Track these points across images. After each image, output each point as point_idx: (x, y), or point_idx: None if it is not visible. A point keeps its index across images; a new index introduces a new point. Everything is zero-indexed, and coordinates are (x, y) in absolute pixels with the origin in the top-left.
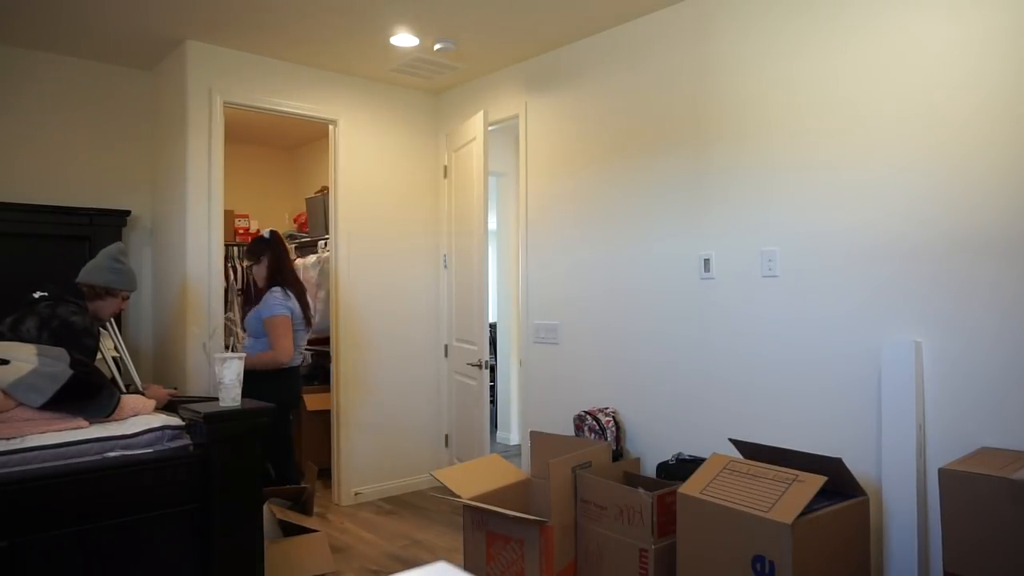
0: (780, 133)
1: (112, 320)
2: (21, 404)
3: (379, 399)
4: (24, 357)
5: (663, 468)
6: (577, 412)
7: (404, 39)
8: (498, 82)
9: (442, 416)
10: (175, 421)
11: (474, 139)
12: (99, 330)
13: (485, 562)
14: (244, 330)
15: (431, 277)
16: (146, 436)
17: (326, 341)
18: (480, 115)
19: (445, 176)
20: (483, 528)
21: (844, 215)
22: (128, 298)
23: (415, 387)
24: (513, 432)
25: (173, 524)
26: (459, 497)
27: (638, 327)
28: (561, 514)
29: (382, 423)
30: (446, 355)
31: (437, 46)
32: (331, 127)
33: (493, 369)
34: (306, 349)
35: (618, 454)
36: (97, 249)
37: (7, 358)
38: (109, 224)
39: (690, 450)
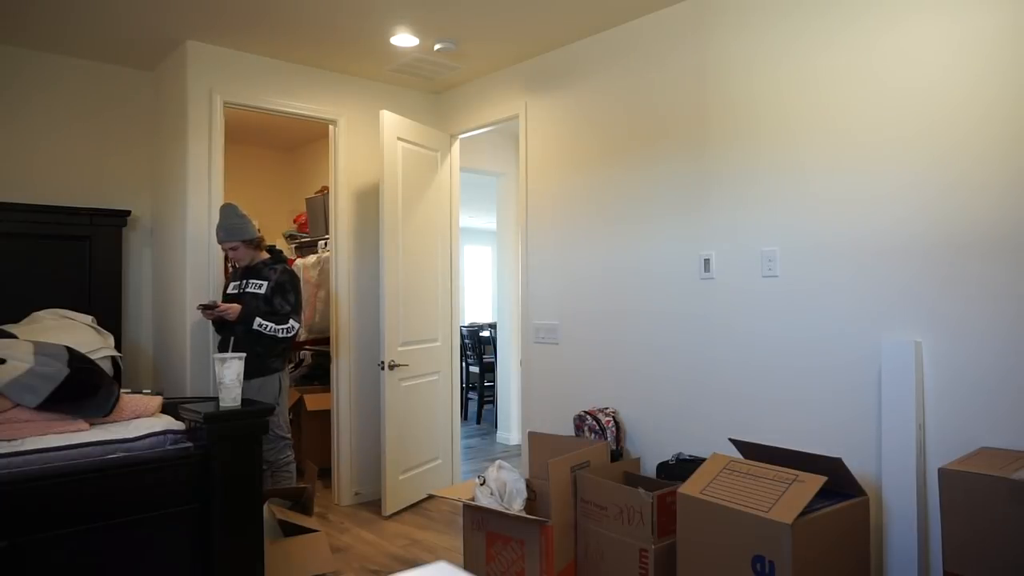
0: (780, 133)
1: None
2: (18, 405)
3: (379, 399)
4: (21, 356)
5: (663, 468)
6: (577, 412)
7: (404, 39)
8: (498, 82)
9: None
10: (177, 425)
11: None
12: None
13: (485, 562)
14: None
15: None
16: (148, 440)
17: (326, 341)
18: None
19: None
20: (483, 528)
21: (844, 215)
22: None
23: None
24: (513, 432)
25: (173, 524)
26: (459, 499)
27: (638, 327)
28: (561, 514)
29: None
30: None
31: (437, 46)
32: (331, 127)
33: (493, 369)
34: (306, 349)
35: (618, 454)
36: (97, 249)
37: (3, 357)
38: (109, 224)
39: (690, 450)
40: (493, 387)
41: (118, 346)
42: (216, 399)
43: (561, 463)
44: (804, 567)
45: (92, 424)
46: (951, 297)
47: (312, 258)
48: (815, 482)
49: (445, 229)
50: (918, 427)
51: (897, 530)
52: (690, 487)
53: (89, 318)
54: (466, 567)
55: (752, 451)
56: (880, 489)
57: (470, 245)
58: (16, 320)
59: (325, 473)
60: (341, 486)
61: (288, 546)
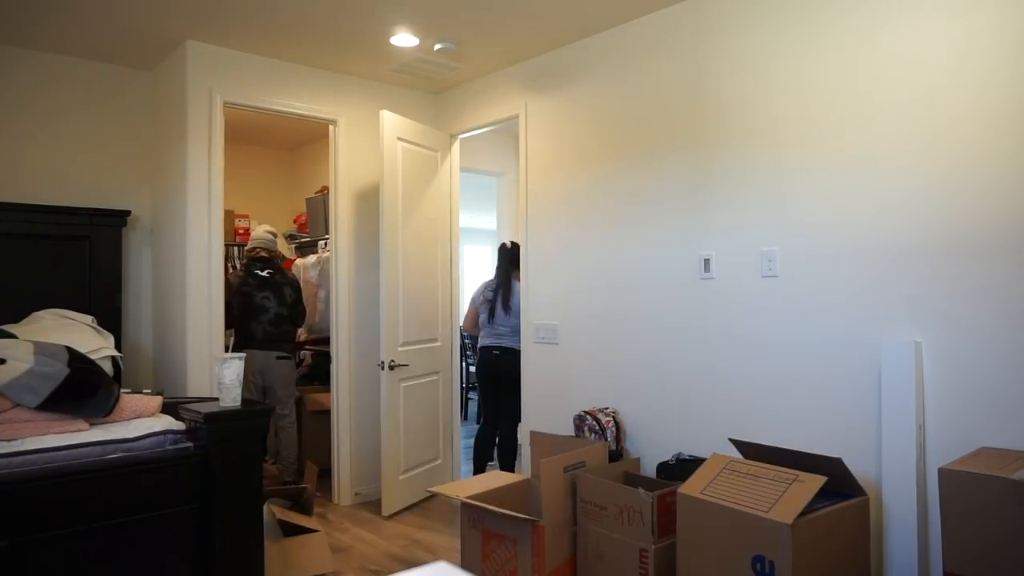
0: (780, 134)
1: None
2: (18, 405)
3: (379, 399)
4: (21, 356)
5: (663, 468)
6: (577, 412)
7: (404, 39)
8: (498, 82)
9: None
10: (178, 425)
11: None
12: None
13: (480, 560)
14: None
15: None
16: (148, 440)
17: (326, 341)
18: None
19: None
20: (479, 526)
21: (844, 215)
22: None
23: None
24: None
25: (173, 524)
26: (457, 496)
27: (638, 327)
28: (554, 513)
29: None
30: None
31: (437, 46)
32: (331, 127)
33: None
34: (306, 349)
35: (618, 454)
36: (97, 249)
37: (3, 357)
38: (109, 224)
39: (690, 450)
40: None
41: (118, 346)
42: (216, 399)
43: (553, 463)
44: (804, 567)
45: (92, 424)
46: (951, 297)
47: (312, 258)
48: (815, 482)
49: (445, 229)
50: (918, 427)
51: (897, 530)
52: (690, 487)
53: (89, 318)
54: (463, 565)
55: (752, 451)
56: (880, 489)
57: (470, 245)
58: (16, 320)
59: (325, 473)
60: (341, 486)
61: (288, 546)
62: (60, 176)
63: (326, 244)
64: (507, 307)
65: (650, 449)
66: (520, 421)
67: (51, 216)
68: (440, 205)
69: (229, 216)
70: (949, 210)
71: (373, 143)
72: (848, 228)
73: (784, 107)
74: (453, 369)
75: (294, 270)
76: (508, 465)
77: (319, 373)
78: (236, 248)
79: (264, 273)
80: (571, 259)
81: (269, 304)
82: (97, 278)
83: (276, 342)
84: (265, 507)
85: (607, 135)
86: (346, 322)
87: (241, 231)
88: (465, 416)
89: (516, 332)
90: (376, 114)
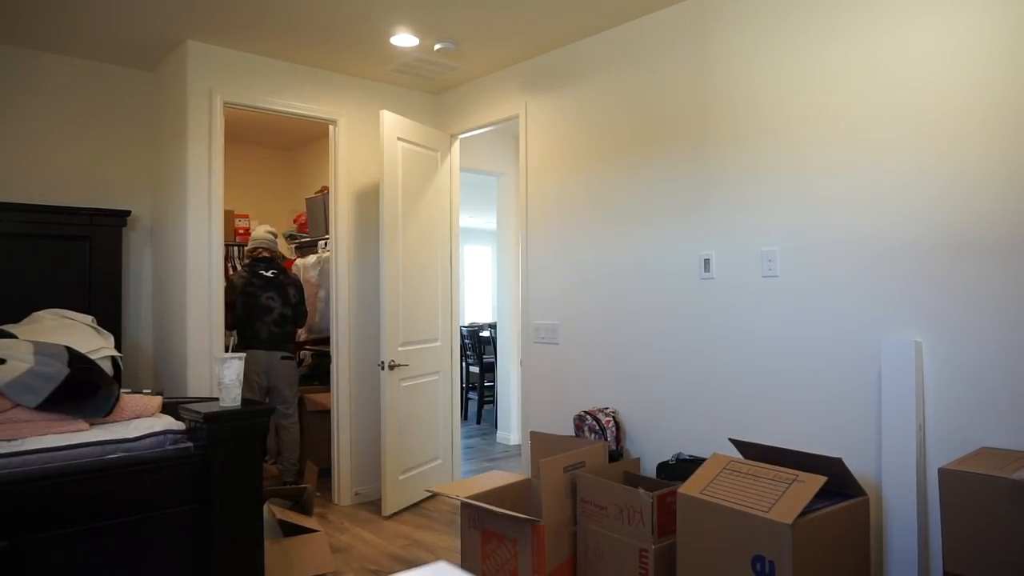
0: (781, 133)
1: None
2: (18, 405)
3: (379, 399)
4: (21, 356)
5: (663, 468)
6: (577, 412)
7: (404, 39)
8: (498, 82)
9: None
10: (178, 425)
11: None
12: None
13: (480, 560)
14: None
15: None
16: (148, 440)
17: (326, 341)
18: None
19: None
20: (479, 526)
21: (844, 215)
22: None
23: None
24: (513, 432)
25: (173, 524)
26: (457, 496)
27: (638, 327)
28: (554, 513)
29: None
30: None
31: (437, 46)
32: (331, 127)
33: (493, 369)
34: (306, 349)
35: (618, 454)
36: (97, 249)
37: (3, 357)
38: (109, 224)
39: (690, 450)
40: (493, 387)
41: (118, 346)
42: (216, 399)
43: (553, 463)
44: (804, 567)
45: (92, 424)
46: (951, 297)
47: (312, 258)
48: (815, 482)
49: (445, 229)
50: (918, 427)
51: (897, 530)
52: (690, 487)
53: (89, 318)
54: (463, 565)
55: (752, 451)
56: (880, 489)
57: (470, 245)
58: (16, 320)
59: (325, 473)
60: (341, 486)
61: (288, 546)
62: (60, 176)
63: (326, 244)
64: None
65: (650, 449)
66: None
67: (51, 216)
68: (440, 205)
69: (229, 216)
70: (950, 210)
71: (373, 143)
72: (848, 228)
73: (784, 107)
74: (453, 369)
75: (294, 270)
76: None
77: (319, 373)
78: (236, 248)
79: (268, 273)
80: (571, 259)
81: (274, 304)
82: (97, 278)
83: (280, 342)
84: (265, 507)
85: (607, 135)
86: (346, 322)
87: (241, 231)
88: (465, 416)
89: None
90: (376, 114)
